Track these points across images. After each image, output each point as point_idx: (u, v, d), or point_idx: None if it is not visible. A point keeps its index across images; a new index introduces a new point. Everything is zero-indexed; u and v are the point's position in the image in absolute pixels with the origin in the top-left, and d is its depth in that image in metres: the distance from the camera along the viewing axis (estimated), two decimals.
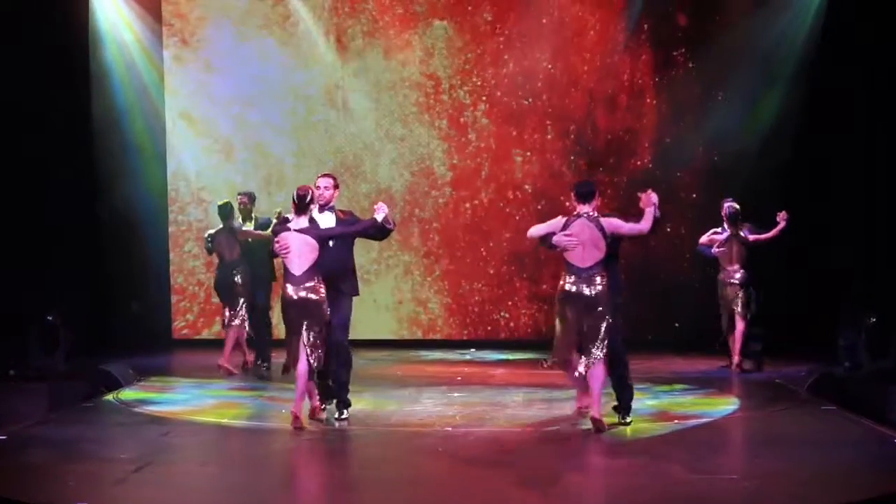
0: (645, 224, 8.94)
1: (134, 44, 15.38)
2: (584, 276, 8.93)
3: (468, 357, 14.49)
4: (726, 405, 10.47)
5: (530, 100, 15.56)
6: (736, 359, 12.63)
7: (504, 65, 15.53)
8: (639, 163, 15.39)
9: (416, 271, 15.81)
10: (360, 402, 10.55)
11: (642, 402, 10.59)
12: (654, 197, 8.91)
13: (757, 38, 14.97)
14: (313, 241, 9.29)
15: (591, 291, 8.94)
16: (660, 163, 15.26)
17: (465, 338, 15.60)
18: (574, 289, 8.95)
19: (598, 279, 8.93)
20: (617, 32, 15.38)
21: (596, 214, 9.06)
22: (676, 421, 9.65)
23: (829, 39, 14.38)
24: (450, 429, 9.37)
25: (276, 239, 9.43)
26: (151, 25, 15.54)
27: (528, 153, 15.56)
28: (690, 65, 15.25)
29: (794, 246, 13.82)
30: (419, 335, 15.78)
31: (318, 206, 9.56)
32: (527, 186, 15.53)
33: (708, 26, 15.16)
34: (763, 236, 12.62)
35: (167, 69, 15.69)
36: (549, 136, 15.54)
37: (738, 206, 12.68)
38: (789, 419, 9.80)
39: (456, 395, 11.13)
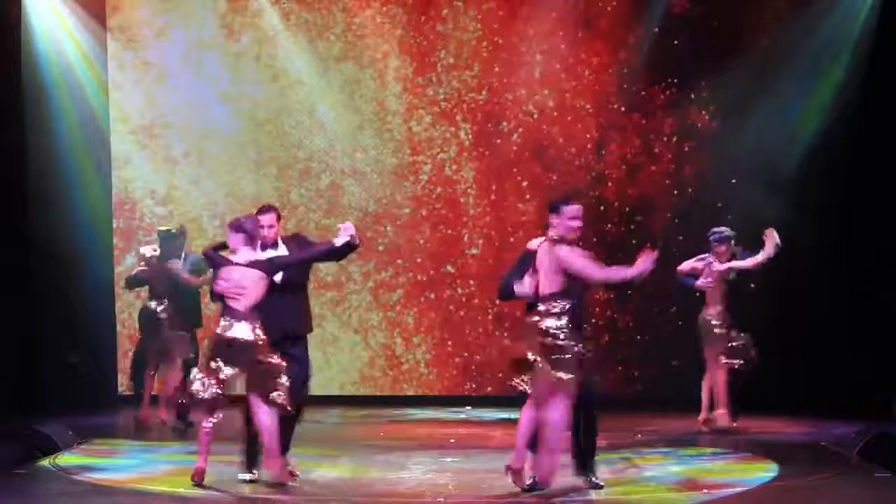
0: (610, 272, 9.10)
1: (73, 49, 15.50)
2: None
3: (463, 416, 14.53)
4: (763, 472, 10.52)
5: (537, 114, 15.79)
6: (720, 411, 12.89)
7: (492, 91, 15.92)
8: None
9: (404, 318, 15.91)
10: (337, 469, 10.61)
11: (666, 468, 10.66)
12: None
13: (798, 44, 15.14)
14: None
15: None
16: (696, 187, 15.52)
17: (458, 394, 15.67)
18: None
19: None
20: (630, 55, 15.63)
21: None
22: (706, 490, 9.71)
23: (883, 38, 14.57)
24: (442, 499, 9.41)
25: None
26: (94, 29, 15.68)
27: (527, 196, 15.79)
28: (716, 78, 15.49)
29: (847, 292, 13.94)
30: (406, 391, 15.88)
31: (259, 247, 9.75)
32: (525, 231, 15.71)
33: (738, 32, 15.37)
34: (742, 264, 12.74)
35: (112, 78, 15.90)
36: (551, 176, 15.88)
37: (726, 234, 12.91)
38: (837, 488, 9.85)
39: (449, 460, 11.17)
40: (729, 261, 12.84)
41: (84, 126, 15.53)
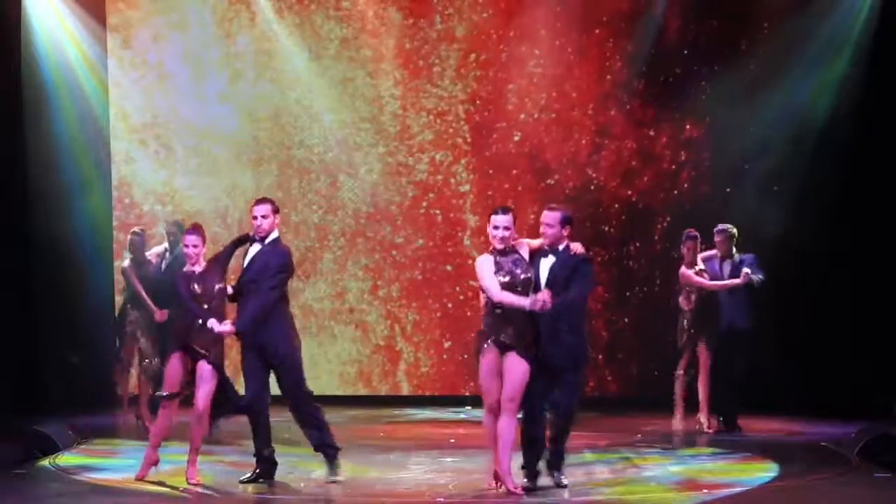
0: (504, 296, 9.11)
1: (73, 49, 15.53)
2: None
3: (463, 416, 14.56)
4: (763, 472, 10.56)
5: (536, 115, 15.82)
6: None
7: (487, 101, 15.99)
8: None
9: (402, 316, 15.96)
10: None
11: (665, 468, 10.69)
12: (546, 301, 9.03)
13: (798, 46, 15.17)
14: None
15: None
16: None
17: (458, 394, 15.70)
18: None
19: None
20: (627, 59, 15.69)
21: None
22: (706, 490, 9.74)
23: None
24: (442, 499, 9.44)
25: None
26: (94, 29, 15.71)
27: (525, 198, 15.86)
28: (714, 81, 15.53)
29: (846, 293, 13.97)
30: (406, 390, 15.92)
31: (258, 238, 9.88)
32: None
33: (737, 34, 15.42)
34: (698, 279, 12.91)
35: (111, 77, 15.96)
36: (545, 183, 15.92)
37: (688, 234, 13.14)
38: (837, 488, 9.88)
39: (448, 460, 11.20)
40: (693, 263, 12.98)
41: (84, 126, 15.54)
